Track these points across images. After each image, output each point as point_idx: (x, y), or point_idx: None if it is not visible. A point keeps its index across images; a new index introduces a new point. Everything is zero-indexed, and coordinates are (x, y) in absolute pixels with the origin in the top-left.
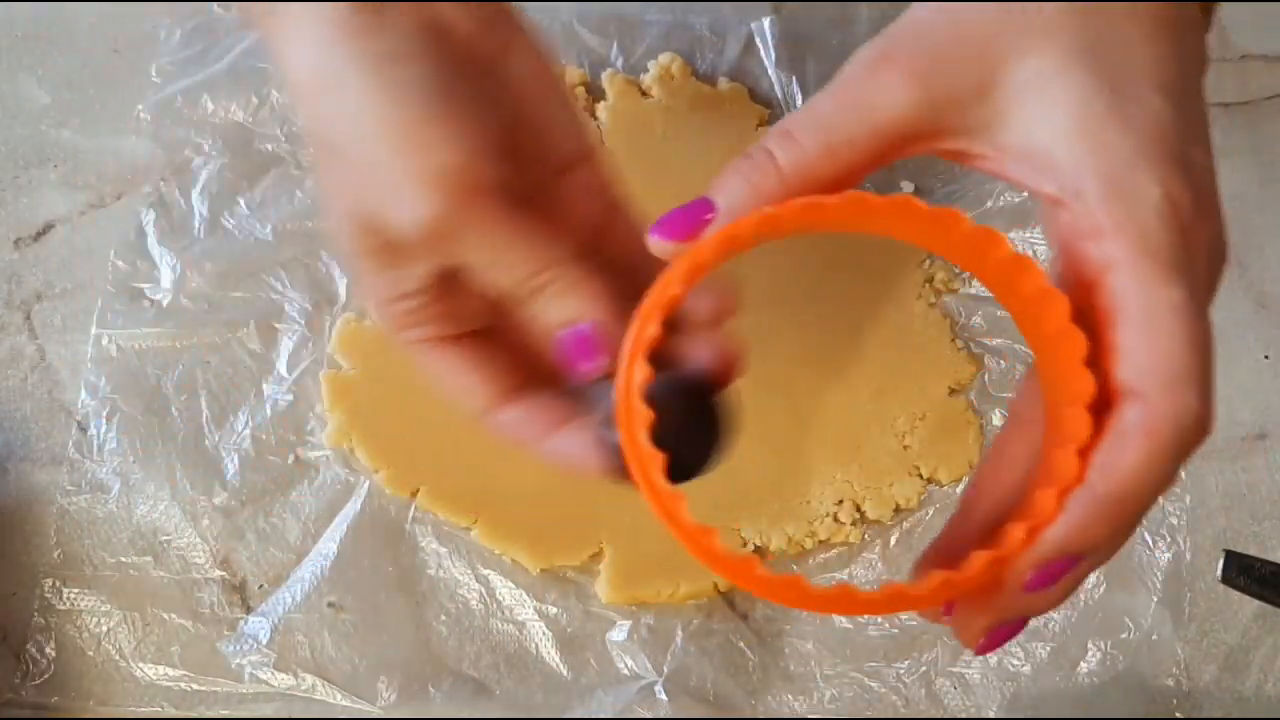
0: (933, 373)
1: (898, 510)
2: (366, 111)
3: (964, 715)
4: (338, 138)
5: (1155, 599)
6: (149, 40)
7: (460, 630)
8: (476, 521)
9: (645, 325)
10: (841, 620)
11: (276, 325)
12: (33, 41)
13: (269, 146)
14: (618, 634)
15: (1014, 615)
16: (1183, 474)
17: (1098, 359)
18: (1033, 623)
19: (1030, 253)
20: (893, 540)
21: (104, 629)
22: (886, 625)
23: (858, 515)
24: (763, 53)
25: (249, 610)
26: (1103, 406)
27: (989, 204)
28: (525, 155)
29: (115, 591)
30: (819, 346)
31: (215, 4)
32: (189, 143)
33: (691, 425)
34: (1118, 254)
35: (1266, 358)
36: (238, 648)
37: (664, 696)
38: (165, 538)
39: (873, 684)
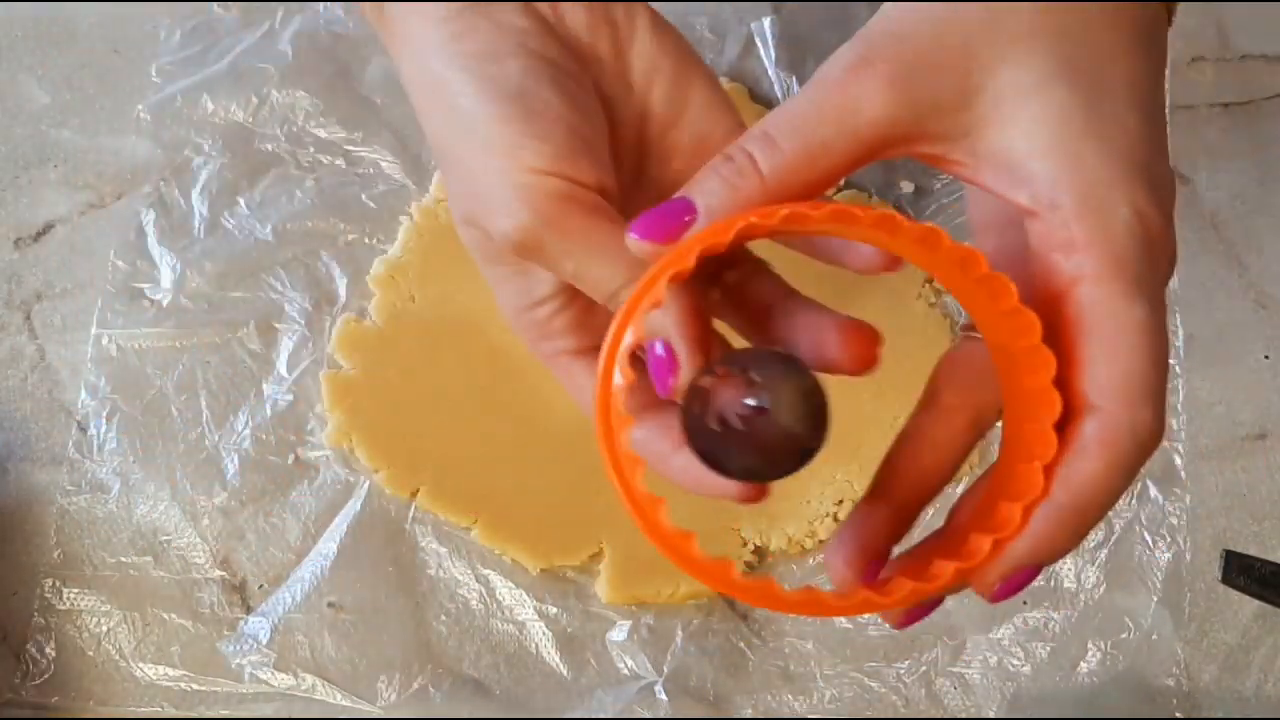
0: None
1: None
2: (461, 113)
3: (964, 715)
4: (444, 143)
5: (1155, 599)
6: (149, 40)
7: (460, 630)
8: (476, 521)
9: (622, 331)
10: (842, 620)
11: (276, 325)
12: (33, 41)
13: (269, 146)
14: (618, 634)
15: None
16: (1183, 474)
17: (1059, 367)
18: (1033, 623)
19: None
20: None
21: (104, 629)
22: (887, 625)
23: None
24: (762, 53)
25: (249, 610)
26: (1061, 416)
27: None
28: (644, 153)
29: (115, 591)
30: None
31: (215, 4)
32: (189, 143)
33: (803, 408)
34: (1088, 268)
35: (1266, 358)
36: (238, 648)
37: (664, 696)
38: (165, 538)
39: (873, 684)
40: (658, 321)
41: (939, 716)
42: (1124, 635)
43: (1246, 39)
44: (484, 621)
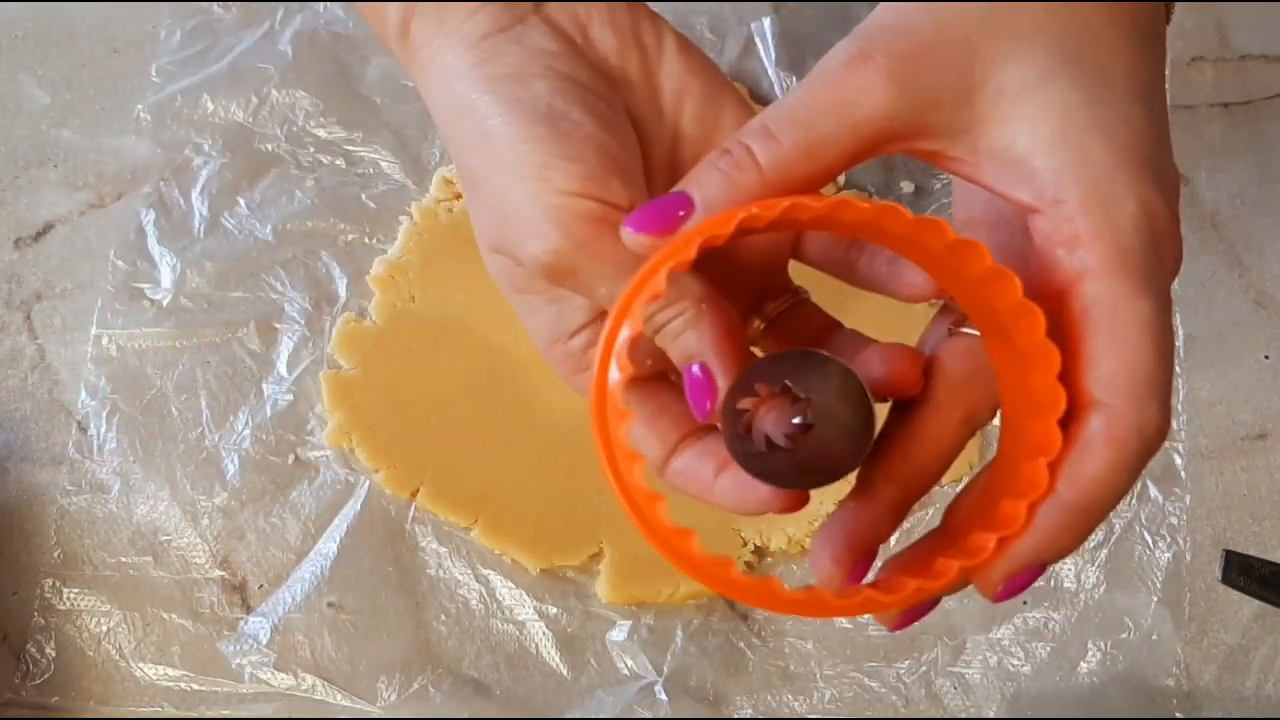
0: None
1: None
2: (489, 135)
3: (964, 715)
4: (471, 168)
5: (1155, 599)
6: (149, 40)
7: (460, 630)
8: (476, 521)
9: (619, 324)
10: (842, 620)
11: (276, 325)
12: (33, 42)
13: (269, 146)
14: (618, 634)
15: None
16: (1183, 474)
17: (1063, 364)
18: (1033, 623)
19: None
20: (893, 540)
21: (104, 629)
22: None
23: None
24: (762, 52)
25: (249, 610)
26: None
27: None
28: (676, 174)
29: (115, 591)
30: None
31: (215, 4)
32: (189, 142)
33: (848, 417)
34: (1093, 263)
35: (1267, 357)
36: (238, 648)
37: (664, 697)
38: (165, 538)
39: (873, 684)
40: (692, 344)
41: (939, 716)
42: (1124, 635)
43: (1246, 39)
44: (484, 621)
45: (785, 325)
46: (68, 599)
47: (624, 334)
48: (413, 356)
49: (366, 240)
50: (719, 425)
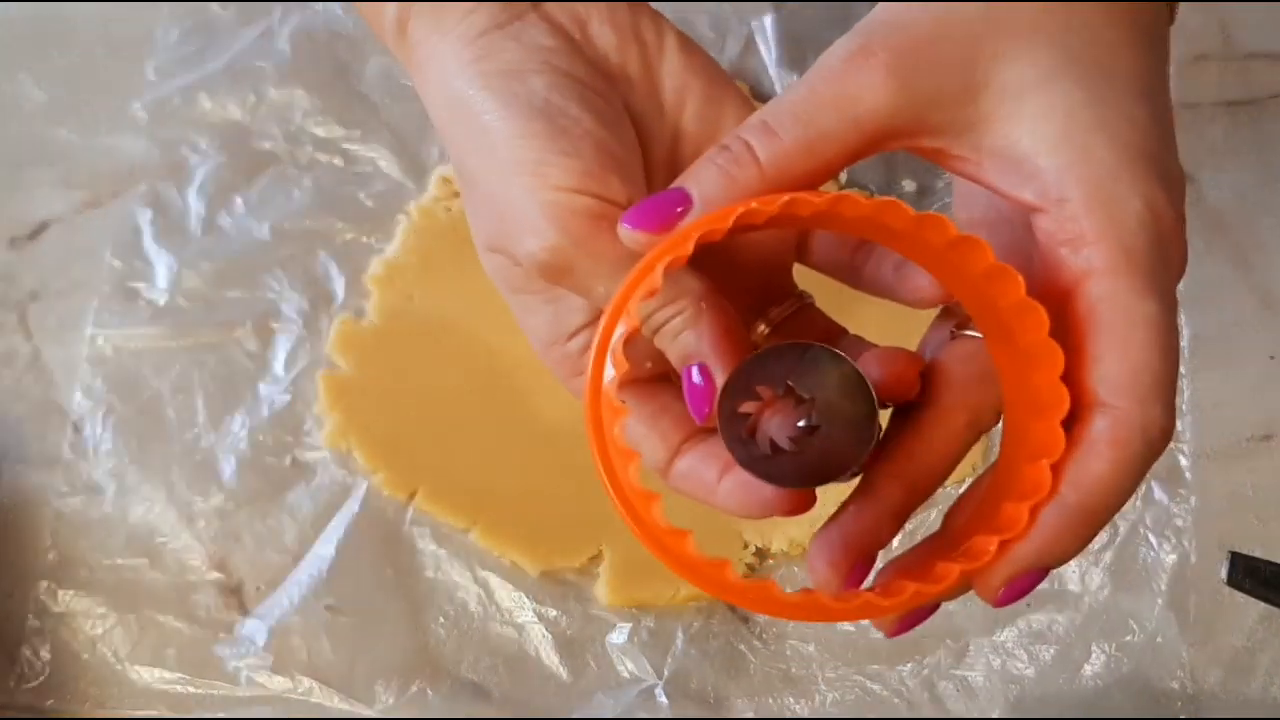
0: None
1: None
2: (485, 131)
3: (967, 718)
4: (468, 165)
5: (1160, 601)
6: (146, 39)
7: (459, 633)
8: (475, 523)
9: (614, 321)
10: (844, 623)
11: (273, 325)
12: (29, 40)
13: (266, 145)
14: (618, 636)
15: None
16: (1188, 475)
17: (1066, 364)
18: (1037, 626)
19: None
20: (895, 542)
21: (99, 631)
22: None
23: None
24: (763, 51)
25: (245, 613)
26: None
27: None
28: (677, 173)
29: (111, 594)
30: None
31: (213, 3)
32: (186, 141)
33: (851, 415)
34: (1098, 262)
35: (1272, 358)
36: (234, 650)
37: (664, 699)
38: (161, 539)
39: (875, 687)
40: (691, 344)
41: (942, 718)
42: (1128, 638)
43: (1251, 37)
44: (483, 624)
45: (789, 331)
46: (63, 601)
47: (619, 331)
48: (411, 357)
49: (364, 240)
50: (718, 427)
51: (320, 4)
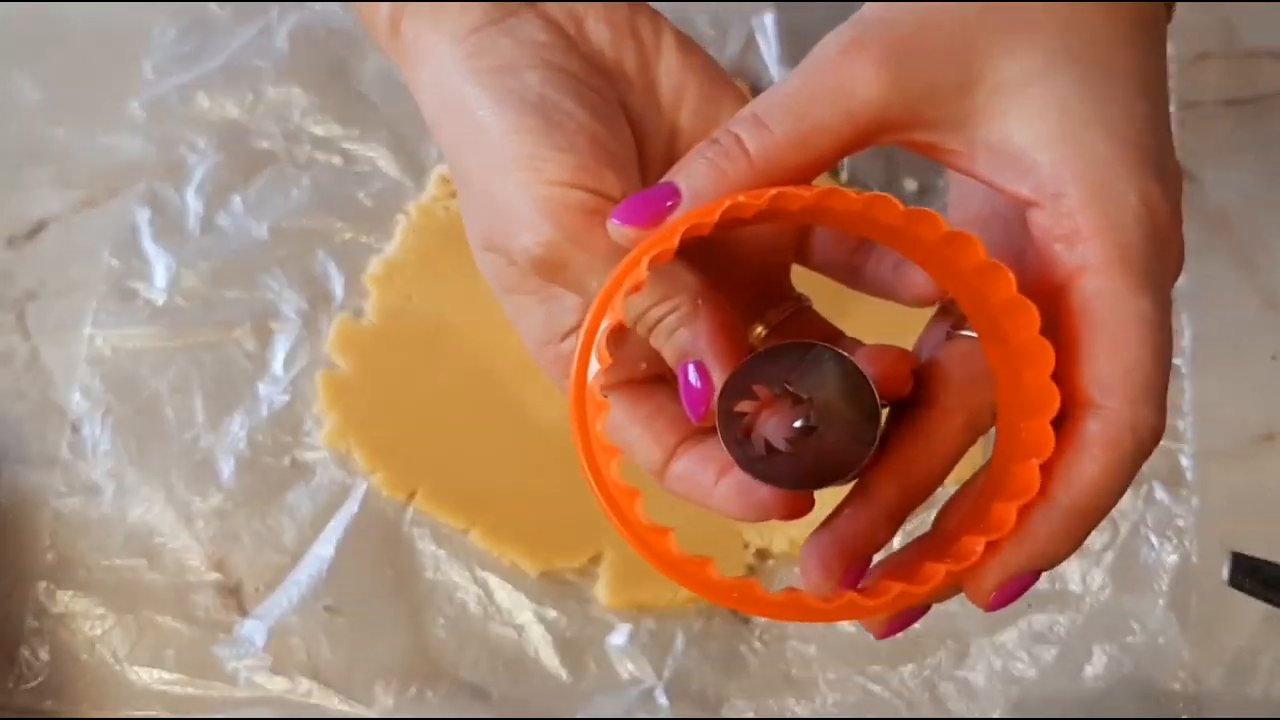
0: None
1: None
2: (478, 127)
3: (968, 719)
4: (462, 161)
5: (1161, 602)
6: (143, 37)
7: (458, 634)
8: (475, 524)
9: (600, 315)
10: (845, 624)
11: (272, 325)
12: (27, 38)
13: (264, 144)
14: (618, 638)
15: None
16: (1190, 475)
17: (1057, 362)
18: (1038, 626)
19: None
20: (895, 542)
21: (98, 632)
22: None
23: None
24: (764, 48)
25: (244, 613)
26: (1059, 412)
27: None
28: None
29: (109, 594)
30: None
31: (211, 2)
32: (184, 140)
33: (850, 416)
34: (1093, 259)
35: (1275, 358)
36: (233, 651)
37: (664, 701)
38: (160, 540)
39: (876, 688)
40: (687, 341)
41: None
42: (1130, 638)
43: (1254, 35)
44: (482, 625)
45: (786, 333)
46: (61, 602)
47: (604, 326)
48: (410, 356)
49: (363, 239)
50: (717, 427)
51: (319, 2)
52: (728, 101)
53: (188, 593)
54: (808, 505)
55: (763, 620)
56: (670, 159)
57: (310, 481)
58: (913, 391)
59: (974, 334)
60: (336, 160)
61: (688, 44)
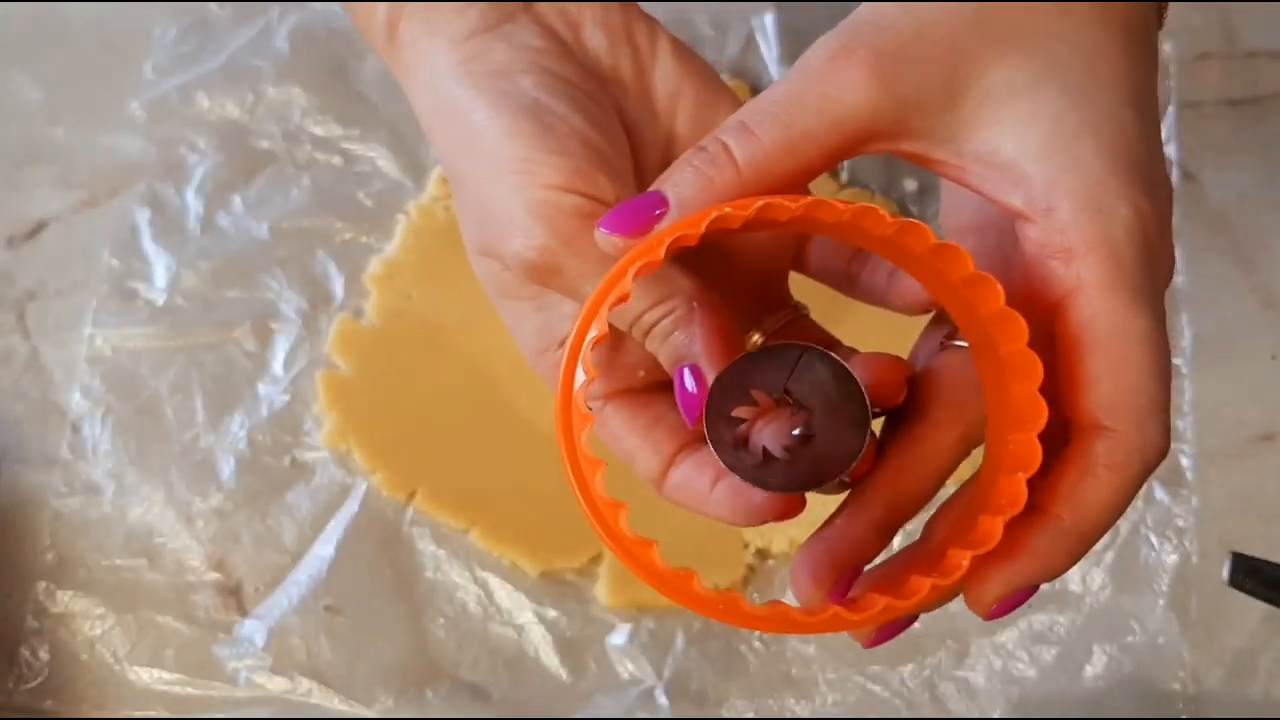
0: None
1: None
2: (472, 131)
3: (968, 719)
4: (456, 166)
5: (1161, 602)
6: (143, 37)
7: (458, 634)
8: (475, 524)
9: (585, 328)
10: None
11: (272, 325)
12: (26, 38)
13: (265, 144)
14: (618, 638)
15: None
16: (1190, 475)
17: (1056, 382)
18: (1038, 626)
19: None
20: (895, 543)
21: (98, 632)
22: None
23: None
24: (764, 49)
25: (244, 613)
26: (1056, 431)
27: None
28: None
29: (109, 594)
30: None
31: (211, 2)
32: (184, 140)
33: (843, 417)
34: (1088, 277)
35: (1274, 358)
36: (233, 651)
37: (665, 700)
38: (160, 540)
39: (875, 688)
40: (683, 345)
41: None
42: (1130, 638)
43: (1254, 35)
44: (482, 625)
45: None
46: (61, 602)
47: (590, 338)
48: (410, 356)
49: (363, 239)
50: (704, 429)
51: (319, 3)
52: (724, 107)
53: (188, 593)
54: (799, 507)
55: None
56: (666, 165)
57: (310, 481)
58: (907, 401)
59: (966, 344)
60: (336, 160)
61: (683, 50)
